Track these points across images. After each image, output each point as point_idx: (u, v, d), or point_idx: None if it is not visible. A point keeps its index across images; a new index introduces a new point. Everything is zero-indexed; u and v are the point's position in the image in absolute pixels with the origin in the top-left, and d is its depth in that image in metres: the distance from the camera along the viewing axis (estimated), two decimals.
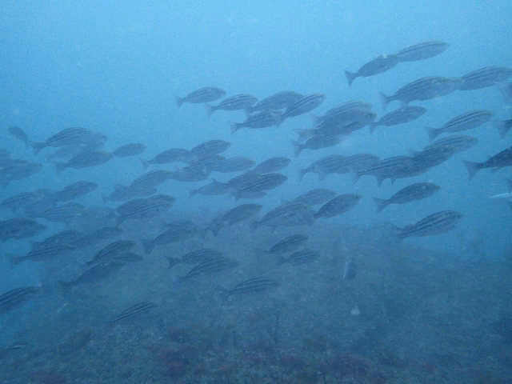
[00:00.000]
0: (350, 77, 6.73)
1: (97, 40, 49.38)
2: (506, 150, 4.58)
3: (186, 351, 5.80)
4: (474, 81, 5.97)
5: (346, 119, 6.21)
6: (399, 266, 9.65)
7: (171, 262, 6.70)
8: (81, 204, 7.89)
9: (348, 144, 7.19)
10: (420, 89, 5.99)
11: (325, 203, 6.05)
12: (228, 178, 7.36)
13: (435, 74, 6.00)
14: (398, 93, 6.25)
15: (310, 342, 6.40)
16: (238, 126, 7.37)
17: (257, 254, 9.07)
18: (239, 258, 9.03)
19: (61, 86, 53.28)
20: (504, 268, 9.18)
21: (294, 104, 6.62)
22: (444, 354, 6.75)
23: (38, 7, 42.06)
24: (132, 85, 54.24)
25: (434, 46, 6.13)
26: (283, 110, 6.84)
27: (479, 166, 4.95)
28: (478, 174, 5.09)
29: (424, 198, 5.84)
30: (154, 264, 9.71)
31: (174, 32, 50.43)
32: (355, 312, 7.78)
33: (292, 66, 50.87)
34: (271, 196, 7.39)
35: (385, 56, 6.26)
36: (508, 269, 9.07)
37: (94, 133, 8.43)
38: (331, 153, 7.20)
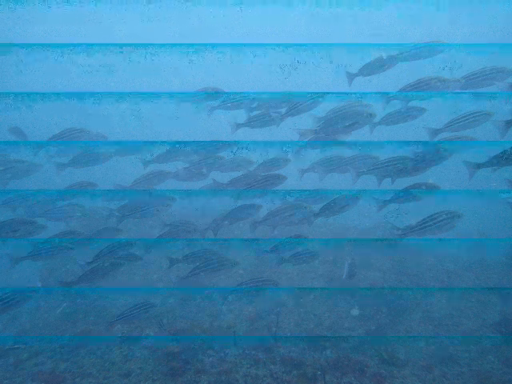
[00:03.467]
0: (350, 77, 6.73)
1: (97, 40, 49.34)
2: (506, 150, 4.59)
3: (185, 351, 5.80)
4: (474, 81, 5.97)
5: (345, 119, 6.21)
6: (399, 266, 9.64)
7: (171, 262, 6.70)
8: (81, 204, 7.88)
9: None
10: (420, 89, 5.99)
11: (325, 203, 6.05)
12: (228, 178, 7.36)
13: (435, 74, 6.00)
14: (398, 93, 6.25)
15: (310, 341, 6.39)
16: (238, 126, 7.37)
17: (257, 254, 9.06)
18: (239, 258, 9.02)
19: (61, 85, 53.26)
20: (504, 268, 9.17)
21: (293, 104, 6.61)
22: (444, 354, 6.75)
23: (37, 8, 42.05)
24: (132, 85, 54.19)
25: (434, 46, 6.12)
26: (283, 110, 6.84)
27: (479, 166, 4.96)
28: (477, 174, 5.09)
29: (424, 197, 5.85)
30: (154, 264, 9.70)
31: (174, 32, 50.40)
32: (355, 312, 7.77)
33: None
34: None
35: (385, 56, 6.25)
36: (508, 269, 9.07)
37: (93, 133, 8.42)
38: (331, 153, 7.20)
